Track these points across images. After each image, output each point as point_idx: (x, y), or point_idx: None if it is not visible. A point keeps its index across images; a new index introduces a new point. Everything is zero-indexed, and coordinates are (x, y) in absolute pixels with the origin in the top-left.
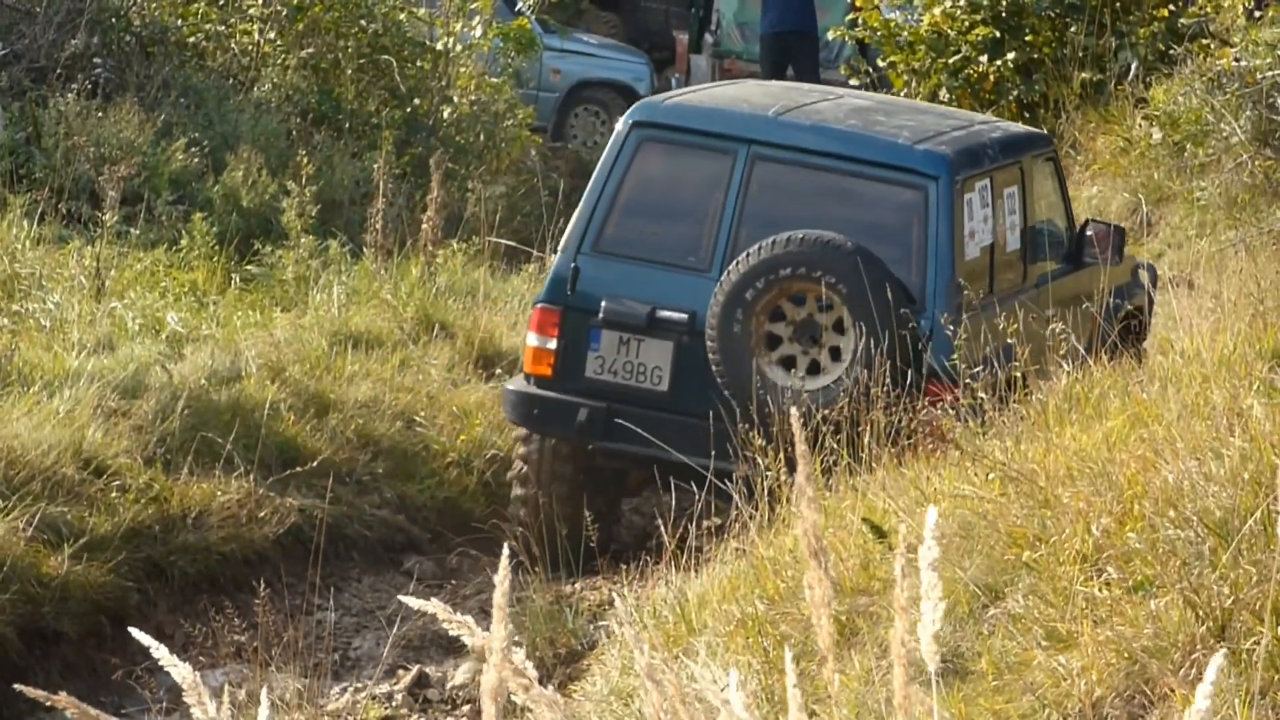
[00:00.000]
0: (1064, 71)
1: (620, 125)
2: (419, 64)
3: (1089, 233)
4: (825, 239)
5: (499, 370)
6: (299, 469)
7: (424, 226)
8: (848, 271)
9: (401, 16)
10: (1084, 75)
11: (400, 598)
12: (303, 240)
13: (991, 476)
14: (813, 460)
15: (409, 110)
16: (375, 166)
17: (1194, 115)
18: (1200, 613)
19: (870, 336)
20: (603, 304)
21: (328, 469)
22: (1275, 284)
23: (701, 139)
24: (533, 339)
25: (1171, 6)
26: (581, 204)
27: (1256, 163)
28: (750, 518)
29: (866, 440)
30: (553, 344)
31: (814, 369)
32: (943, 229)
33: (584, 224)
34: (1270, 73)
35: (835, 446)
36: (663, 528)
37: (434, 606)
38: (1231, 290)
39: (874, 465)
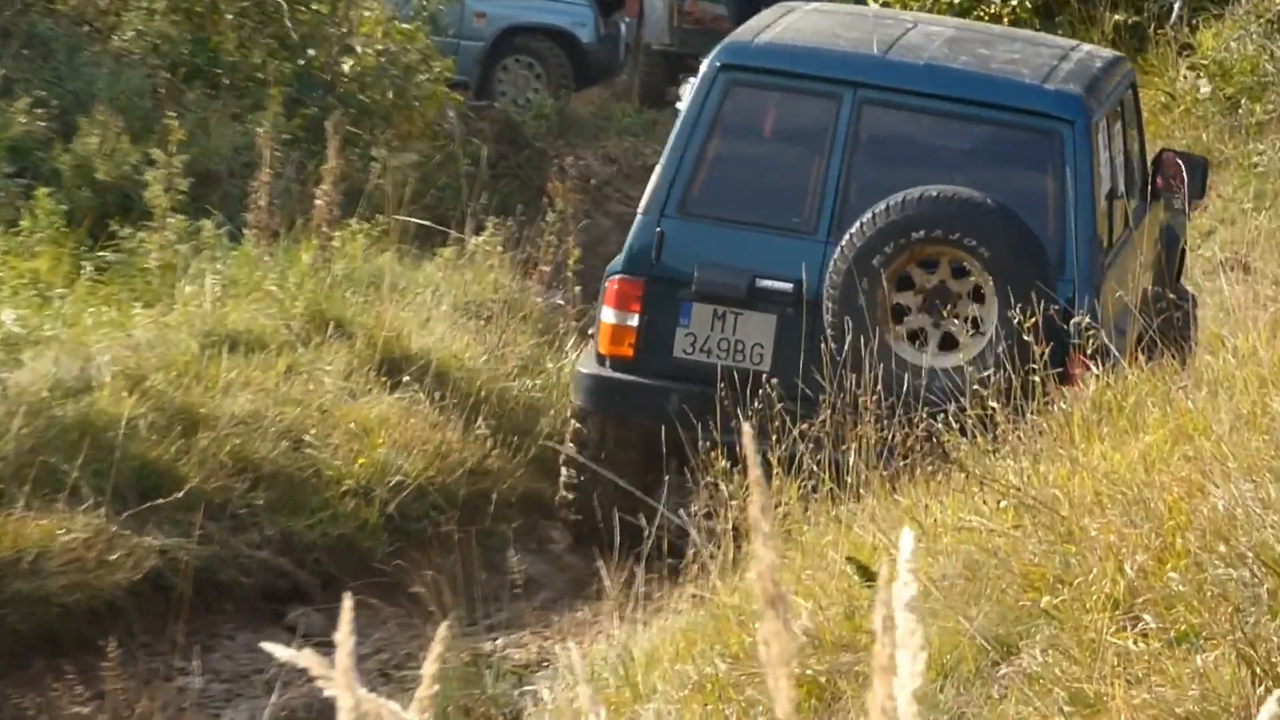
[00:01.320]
0: (1092, 11)
1: (705, 68)
2: (314, 6)
3: (1163, 164)
4: (964, 196)
5: (407, 378)
6: (161, 501)
7: (318, 203)
8: (991, 233)
9: None
10: (1117, 16)
11: (266, 646)
12: (170, 220)
13: (1004, 504)
14: (767, 489)
15: (301, 63)
16: (260, 131)
17: (1250, 64)
18: (1257, 669)
19: (1017, 305)
20: (695, 273)
21: (196, 500)
22: None
23: (802, 82)
24: (609, 315)
25: None
26: (664, 159)
27: None
28: (711, 557)
29: (853, 461)
30: (634, 320)
31: (948, 343)
32: (1082, 180)
33: (668, 182)
34: None
35: (815, 469)
36: (603, 570)
37: (316, 664)
38: None
39: (862, 491)
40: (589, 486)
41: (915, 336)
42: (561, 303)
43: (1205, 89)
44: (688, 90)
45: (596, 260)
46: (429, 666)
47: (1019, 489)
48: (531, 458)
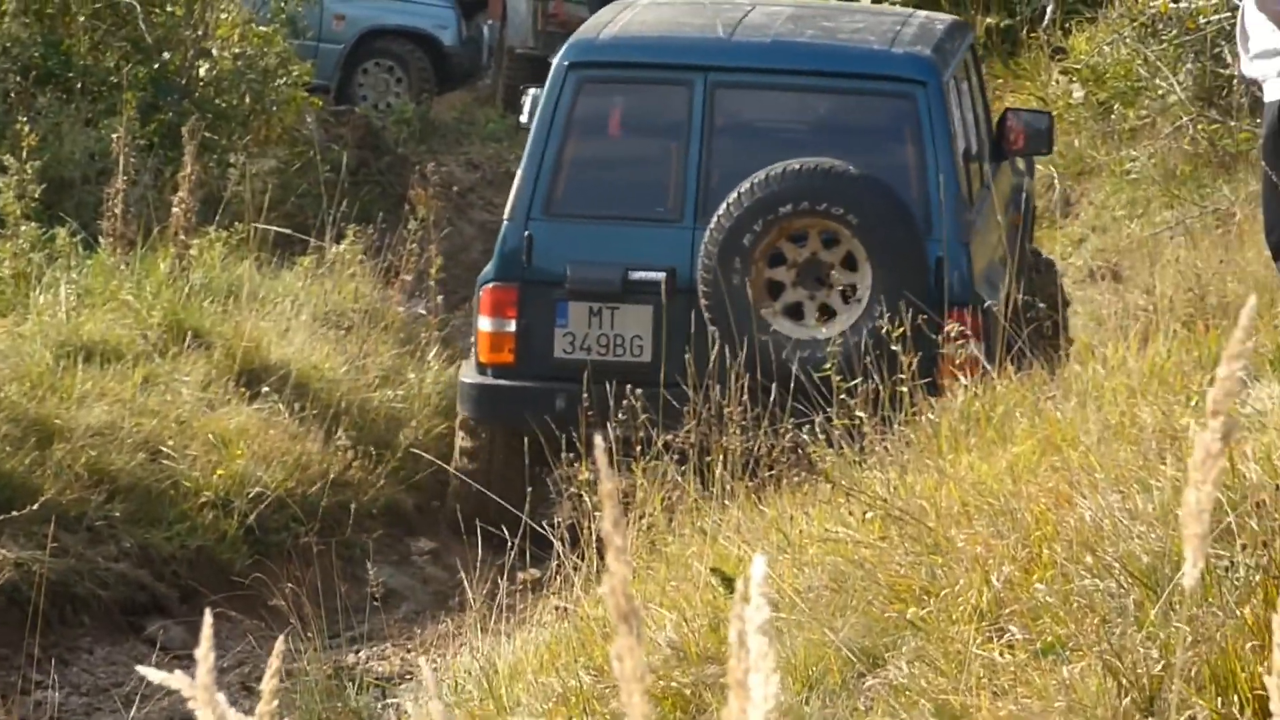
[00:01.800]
0: (964, 14)
1: (554, 69)
2: (169, 9)
3: (1009, 123)
4: (826, 166)
5: (266, 388)
6: (15, 514)
7: (175, 210)
8: (857, 200)
9: None
10: (989, 19)
11: (140, 669)
12: (23, 228)
13: (870, 515)
14: (618, 501)
15: (156, 66)
16: (114, 136)
17: (1123, 69)
18: (1124, 681)
19: (889, 269)
20: (567, 273)
21: (51, 513)
22: (1219, 275)
23: (651, 72)
24: (486, 324)
25: None
26: (524, 163)
27: (1199, 126)
28: (575, 569)
29: (719, 471)
30: (512, 326)
31: (826, 313)
32: (940, 140)
33: (531, 186)
34: (1216, 16)
35: (679, 479)
36: (466, 581)
37: (178, 680)
38: (1167, 284)
39: (727, 502)
40: (478, 497)
41: (793, 311)
42: (424, 312)
43: (1078, 94)
44: (529, 101)
45: (459, 268)
46: (268, 681)
47: (885, 500)
48: (393, 469)
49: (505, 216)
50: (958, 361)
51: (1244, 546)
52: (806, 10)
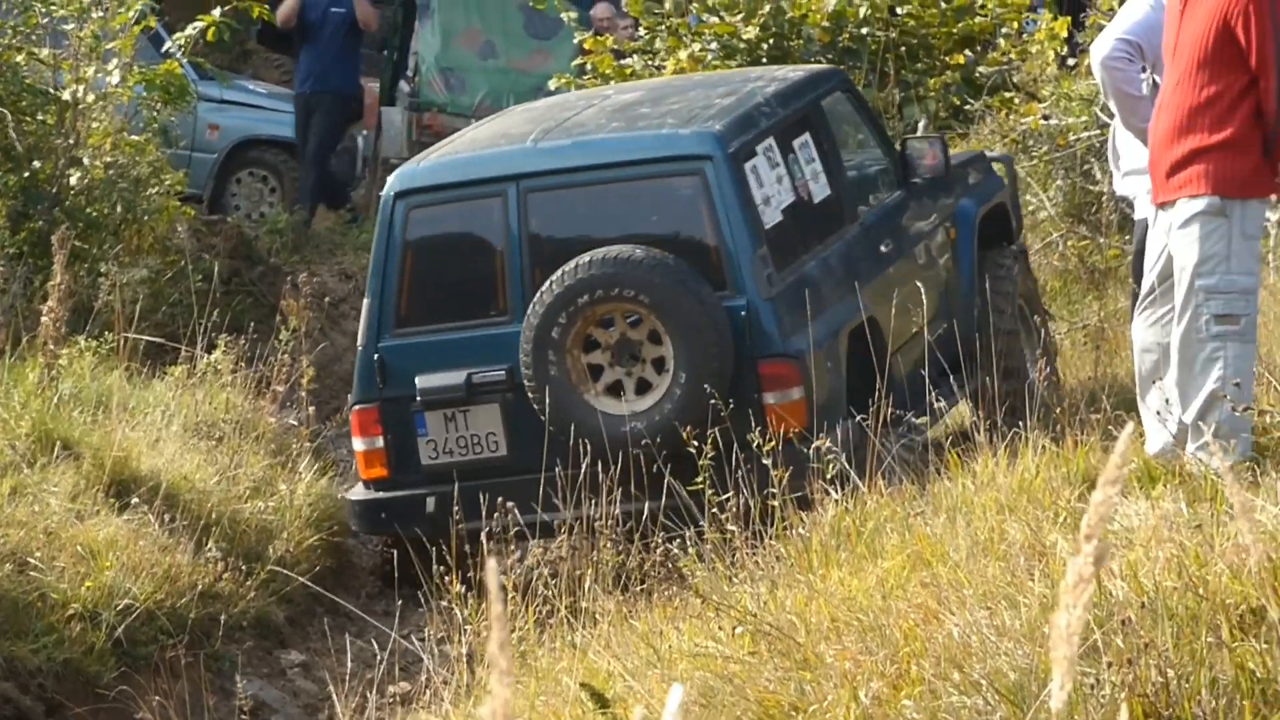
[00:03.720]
0: None
1: (384, 200)
2: (40, 117)
3: (909, 152)
4: (614, 253)
5: (135, 499)
6: None
7: (44, 319)
8: (645, 280)
9: (19, 58)
10: None
11: None
12: None
13: (740, 631)
14: (506, 624)
15: (26, 175)
16: None
17: None
18: None
19: (687, 337)
20: (417, 386)
21: None
22: (1087, 390)
23: (467, 189)
24: (359, 444)
25: (968, 53)
26: (368, 290)
27: (1069, 243)
28: (444, 683)
29: (589, 585)
30: (380, 442)
31: (643, 387)
32: (732, 204)
33: (376, 310)
34: (1085, 133)
35: (551, 595)
36: (335, 695)
37: None
38: (1035, 401)
39: (598, 617)
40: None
41: (614, 389)
42: (295, 423)
43: None
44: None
45: (332, 379)
46: None
47: (755, 615)
48: (263, 581)
49: (359, 343)
50: (779, 407)
51: (1109, 664)
52: (644, 95)
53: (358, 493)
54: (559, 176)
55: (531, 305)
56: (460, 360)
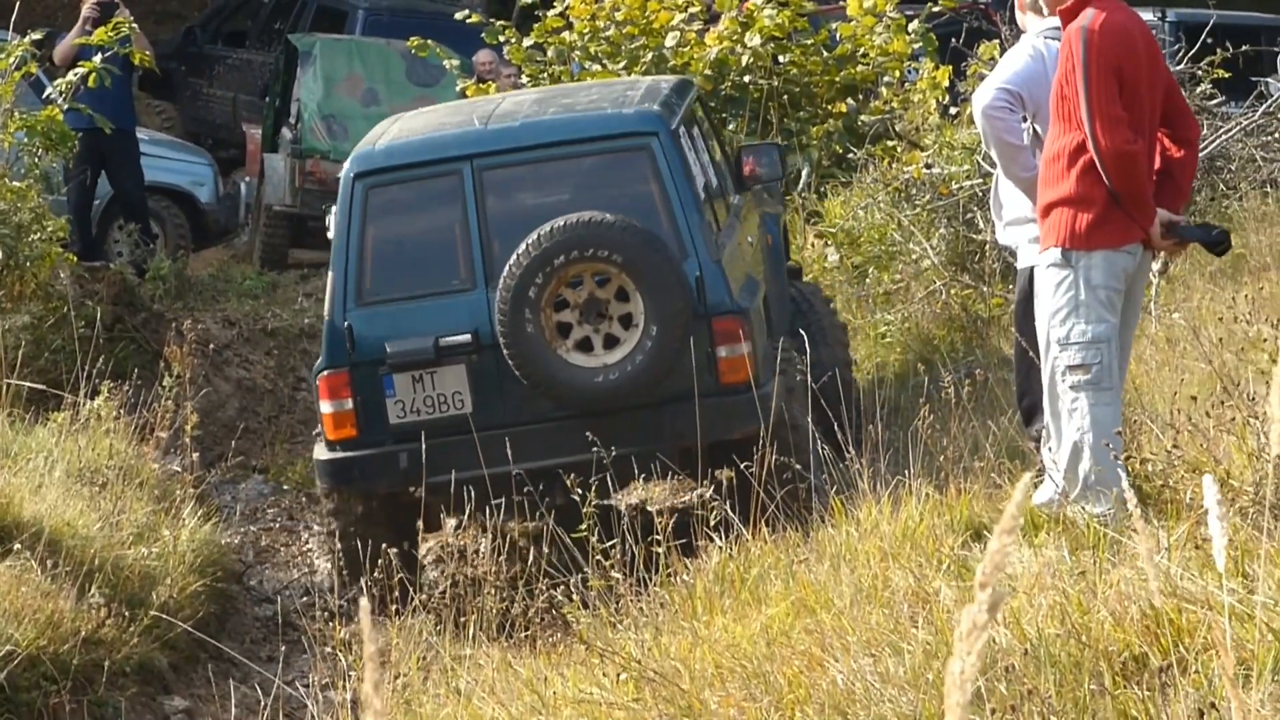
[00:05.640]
0: None
1: (343, 181)
2: None
3: (746, 158)
4: (586, 218)
5: (17, 546)
6: None
7: None
8: (619, 241)
9: None
10: None
11: None
12: None
13: (625, 677)
14: (378, 666)
15: None
16: None
17: (878, 233)
18: None
19: (656, 294)
20: (387, 350)
21: None
22: (970, 439)
23: (426, 168)
24: (327, 406)
25: (850, 101)
26: (332, 264)
27: (952, 291)
28: None
29: (473, 631)
30: (349, 404)
31: (610, 342)
32: (678, 176)
33: (342, 283)
34: (969, 182)
35: (432, 640)
36: None
37: None
38: (918, 449)
39: (482, 663)
40: (352, 539)
41: (583, 345)
42: (179, 469)
43: (833, 257)
44: (331, 217)
45: (215, 425)
46: None
47: (640, 661)
48: (146, 627)
49: (325, 313)
50: (729, 359)
51: (993, 711)
52: (551, 94)
53: (324, 453)
54: (512, 154)
55: (508, 267)
56: (426, 326)
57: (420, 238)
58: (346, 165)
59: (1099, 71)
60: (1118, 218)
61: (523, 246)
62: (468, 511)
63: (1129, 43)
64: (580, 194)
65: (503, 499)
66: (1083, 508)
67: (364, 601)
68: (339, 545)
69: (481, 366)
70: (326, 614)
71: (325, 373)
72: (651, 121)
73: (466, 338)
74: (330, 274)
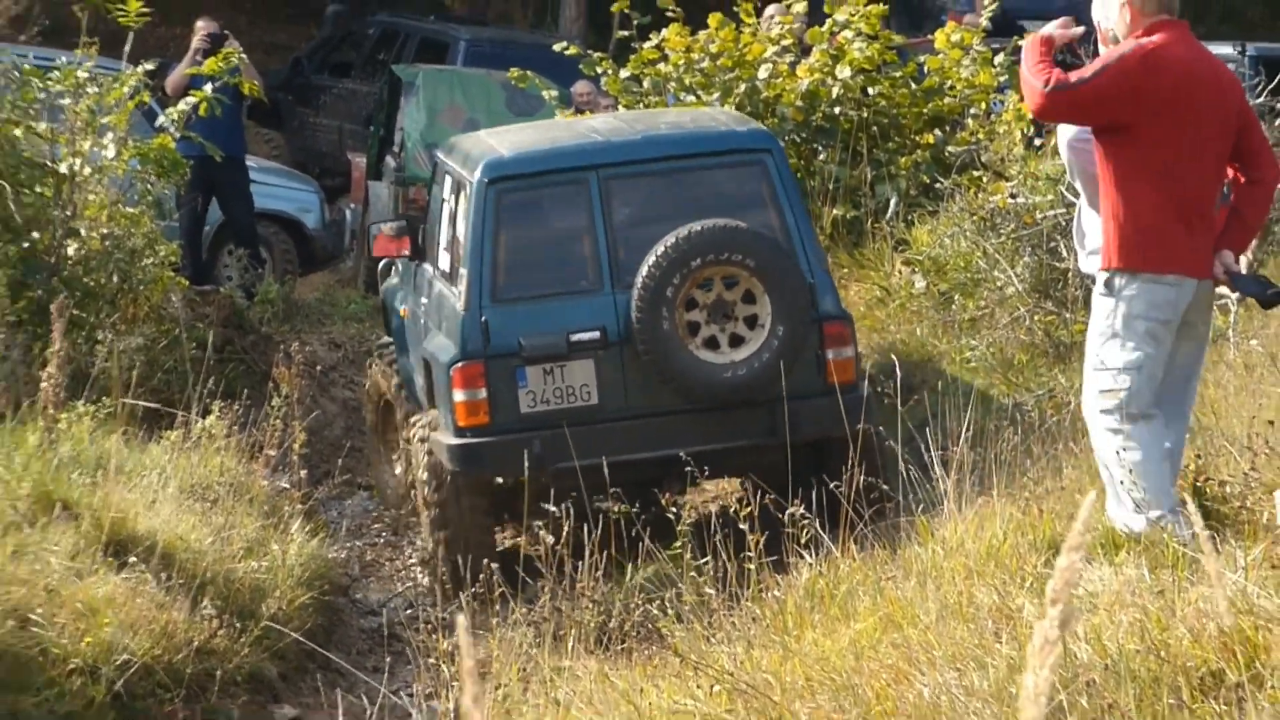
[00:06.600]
0: (812, 207)
1: (476, 186)
2: (38, 190)
3: None
4: (722, 224)
5: (134, 558)
6: None
7: (43, 385)
8: (750, 247)
9: (17, 132)
10: (835, 211)
11: None
12: None
13: (717, 689)
14: (478, 679)
15: (25, 245)
16: None
17: (963, 260)
18: None
19: (782, 297)
20: (521, 344)
21: None
22: (1053, 465)
23: (554, 176)
24: (461, 395)
25: (937, 132)
26: (468, 265)
27: (1035, 317)
28: None
29: (571, 644)
30: (483, 394)
31: (735, 341)
32: (790, 188)
33: (477, 281)
34: (1052, 211)
35: (532, 652)
36: None
37: None
38: (1002, 469)
39: (580, 674)
40: (450, 539)
41: (710, 343)
42: (287, 486)
43: (920, 284)
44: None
45: (322, 444)
46: None
47: (732, 674)
48: (256, 638)
49: (460, 308)
50: (837, 361)
51: None
52: (650, 116)
53: (451, 439)
54: (636, 165)
55: (646, 268)
56: (558, 323)
57: (549, 241)
58: (477, 171)
59: (1109, 77)
60: (1158, 244)
61: (661, 249)
62: (562, 508)
63: (1169, 74)
64: (699, 204)
65: (615, 490)
66: (1125, 525)
67: (461, 618)
68: (440, 533)
69: (607, 361)
70: (430, 626)
71: (460, 364)
72: (765, 139)
73: (595, 334)
74: (464, 272)
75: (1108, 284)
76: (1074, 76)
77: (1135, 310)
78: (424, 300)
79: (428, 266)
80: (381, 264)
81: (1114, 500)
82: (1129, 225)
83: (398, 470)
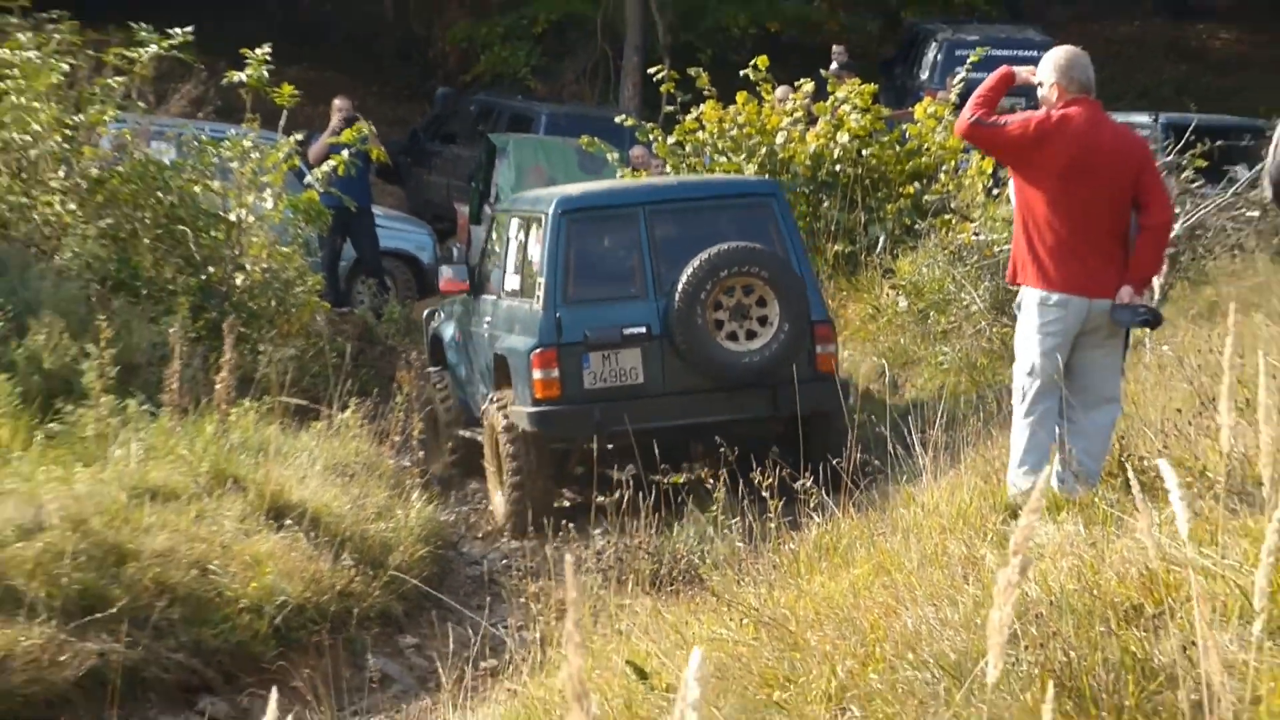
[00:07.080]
0: (818, 244)
1: (551, 217)
2: (213, 234)
3: None
4: (742, 245)
5: (288, 522)
6: (98, 615)
7: (218, 387)
8: (766, 263)
9: (196, 189)
10: (836, 247)
11: None
12: (102, 400)
13: (745, 621)
14: (581, 606)
15: (204, 277)
16: (171, 330)
17: (937, 285)
18: None
19: (788, 302)
20: (586, 335)
21: (124, 615)
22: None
23: (611, 210)
24: (538, 374)
25: (917, 185)
26: (545, 274)
27: (994, 329)
28: (523, 660)
29: (631, 586)
30: (555, 373)
31: (750, 335)
32: (789, 224)
33: (553, 286)
34: (1007, 246)
35: (600, 593)
36: (440, 668)
37: None
38: (969, 449)
39: (637, 610)
40: (522, 489)
41: (731, 337)
42: (408, 464)
43: (903, 304)
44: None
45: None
46: None
47: (757, 609)
48: (385, 583)
49: (539, 309)
50: (824, 355)
51: (1026, 647)
52: (684, 177)
53: (528, 408)
54: (674, 204)
55: (684, 276)
56: (614, 321)
57: (608, 258)
58: (552, 205)
59: (1022, 128)
60: (1049, 266)
61: (696, 262)
62: (626, 471)
63: (1070, 136)
64: (721, 232)
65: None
66: (1013, 484)
67: (568, 557)
68: (514, 487)
69: (651, 350)
70: (520, 573)
71: (539, 350)
72: (771, 187)
73: (643, 329)
74: (541, 280)
75: (1018, 296)
76: (1003, 119)
77: (1028, 318)
78: (486, 319)
79: (487, 296)
80: (425, 313)
81: (1013, 465)
82: (1025, 248)
83: (446, 456)
